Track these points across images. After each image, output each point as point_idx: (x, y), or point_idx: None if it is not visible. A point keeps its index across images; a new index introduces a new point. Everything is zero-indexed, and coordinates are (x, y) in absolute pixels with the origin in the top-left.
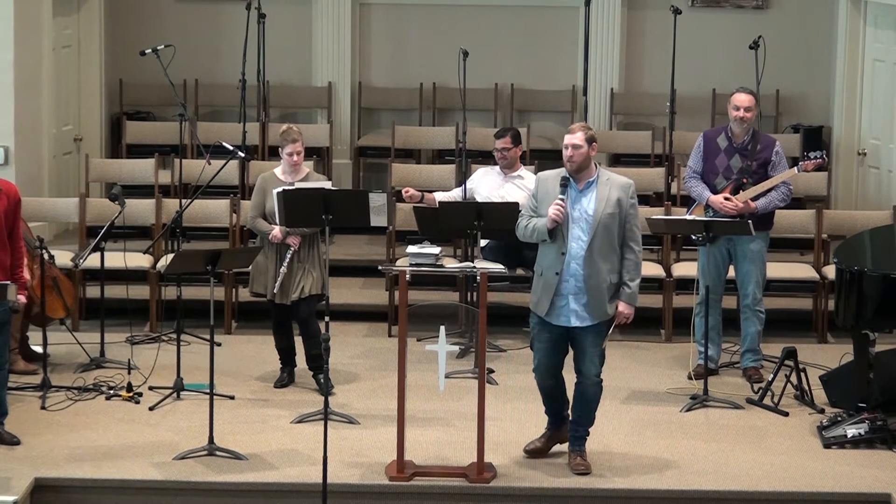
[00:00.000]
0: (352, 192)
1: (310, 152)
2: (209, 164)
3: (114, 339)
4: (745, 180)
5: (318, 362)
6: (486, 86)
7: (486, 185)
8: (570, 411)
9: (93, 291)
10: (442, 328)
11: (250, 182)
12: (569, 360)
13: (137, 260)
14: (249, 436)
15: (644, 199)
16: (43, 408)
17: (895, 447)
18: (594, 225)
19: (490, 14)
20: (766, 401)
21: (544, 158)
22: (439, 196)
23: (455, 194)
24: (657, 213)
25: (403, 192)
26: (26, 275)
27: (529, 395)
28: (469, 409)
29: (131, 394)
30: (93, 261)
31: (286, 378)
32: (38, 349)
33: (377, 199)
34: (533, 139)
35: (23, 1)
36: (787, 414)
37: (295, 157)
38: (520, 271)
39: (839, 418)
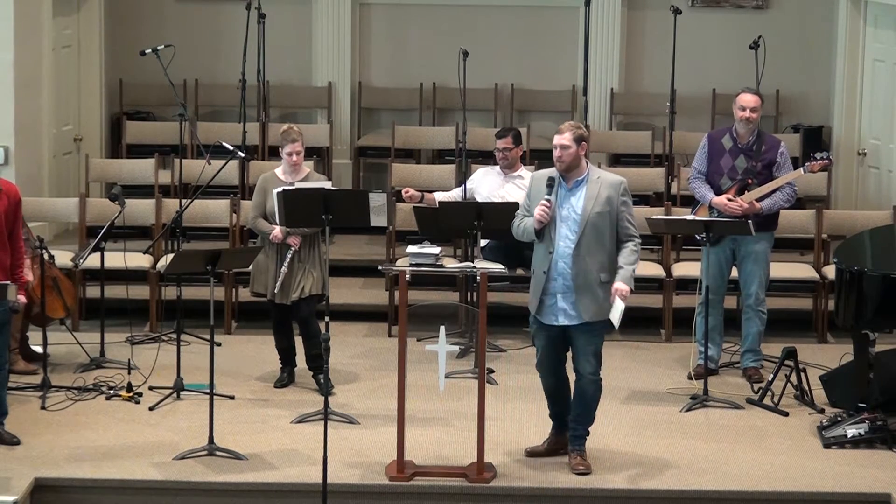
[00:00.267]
0: (352, 192)
1: (310, 152)
2: (209, 164)
3: (114, 339)
4: (749, 181)
5: (318, 362)
6: (486, 86)
7: (487, 185)
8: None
9: (93, 291)
10: (442, 328)
11: (250, 182)
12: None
13: (137, 260)
14: (249, 436)
15: (644, 199)
16: (43, 408)
17: (895, 447)
18: (582, 224)
19: (490, 14)
20: (766, 401)
21: (544, 158)
22: (439, 196)
23: (455, 194)
24: (657, 213)
25: (403, 192)
26: (27, 275)
27: (529, 395)
28: (469, 409)
29: (131, 394)
30: (93, 261)
31: (286, 378)
32: (38, 349)
33: (377, 199)
34: (533, 139)
35: (23, 1)
36: (787, 414)
37: (294, 157)
38: (520, 271)
39: (839, 418)
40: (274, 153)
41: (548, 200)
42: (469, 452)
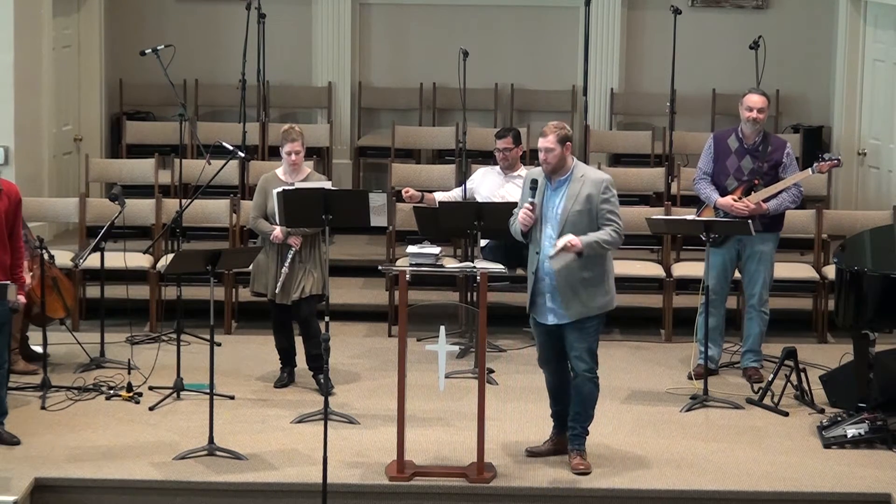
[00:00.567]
0: (352, 192)
1: (310, 152)
2: (209, 164)
3: (114, 339)
4: (756, 181)
5: (318, 362)
6: (486, 86)
7: (487, 185)
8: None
9: (93, 291)
10: (442, 328)
11: (250, 182)
12: None
13: (137, 260)
14: (249, 436)
15: (644, 199)
16: (43, 408)
17: (895, 447)
18: (561, 223)
19: (490, 14)
20: (766, 401)
21: None
22: (439, 196)
23: (455, 194)
24: (657, 213)
25: (403, 192)
26: (26, 276)
27: (529, 395)
28: (469, 409)
29: (131, 394)
30: (93, 261)
31: (286, 378)
32: (39, 349)
33: (377, 199)
34: (533, 139)
35: (23, 1)
36: (787, 414)
37: (293, 157)
38: (520, 271)
39: (839, 418)
40: (274, 153)
41: (531, 203)
42: (469, 452)
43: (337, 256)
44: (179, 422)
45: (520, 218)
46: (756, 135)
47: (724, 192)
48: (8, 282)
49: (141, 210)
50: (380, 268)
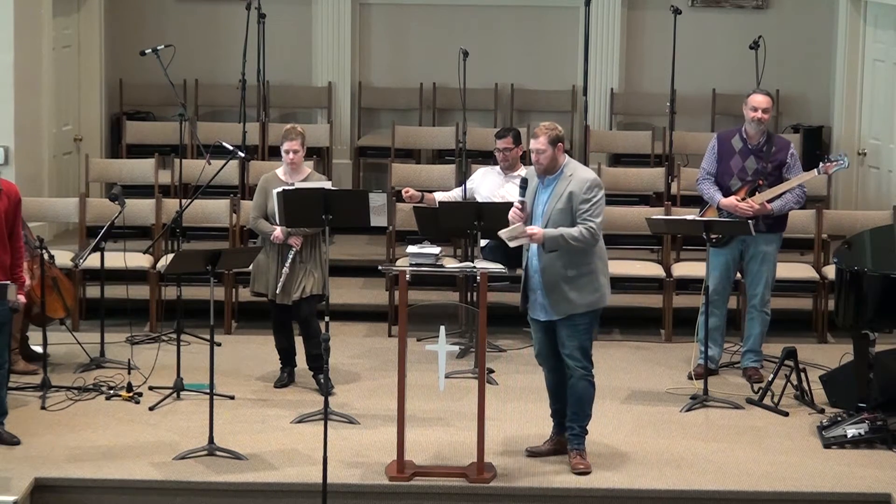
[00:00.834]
0: (352, 192)
1: (310, 152)
2: (209, 164)
3: (114, 339)
4: (760, 182)
5: (318, 362)
6: (486, 86)
7: (487, 185)
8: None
9: (93, 291)
10: (442, 328)
11: (250, 182)
12: None
13: (137, 260)
14: (249, 436)
15: (644, 199)
16: (43, 408)
17: (895, 447)
18: (543, 221)
19: (490, 14)
20: (766, 401)
21: None
22: (439, 196)
23: (455, 194)
24: (657, 213)
25: (403, 192)
26: (26, 276)
27: (529, 395)
28: (469, 409)
29: (131, 394)
30: (93, 261)
31: (286, 378)
32: (39, 349)
33: (377, 199)
34: None
35: (23, 1)
36: (787, 414)
37: (291, 156)
38: (519, 271)
39: (839, 418)
40: (274, 153)
41: (521, 202)
42: (469, 452)
43: (337, 256)
44: (179, 422)
45: (509, 216)
46: (760, 135)
47: (727, 193)
48: (8, 282)
49: (141, 210)
50: (380, 268)
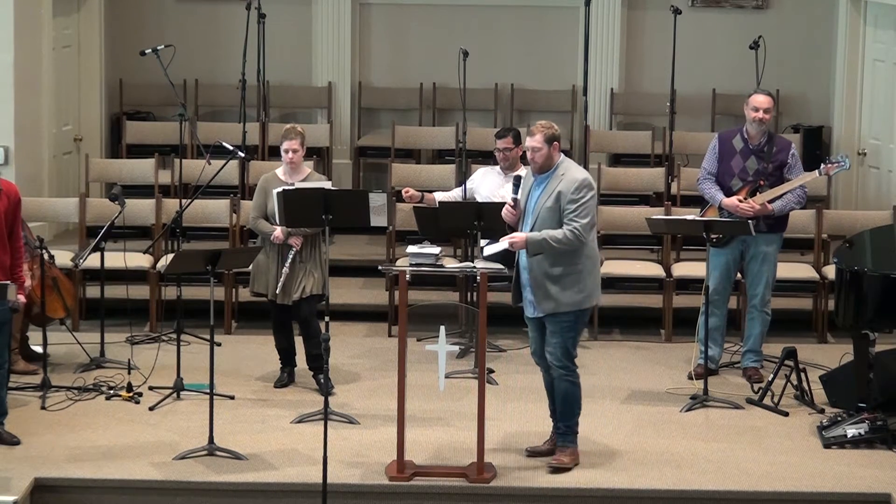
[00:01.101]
0: (352, 192)
1: (310, 152)
2: (209, 164)
3: (114, 339)
4: (761, 182)
5: (318, 362)
6: (486, 86)
7: (487, 185)
8: None
9: (93, 291)
10: (442, 328)
11: (250, 182)
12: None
13: (137, 260)
14: (249, 436)
15: (644, 199)
16: (43, 408)
17: (895, 447)
18: (532, 218)
19: (490, 14)
20: (766, 401)
21: None
22: (439, 196)
23: (455, 194)
24: (657, 213)
25: (403, 192)
26: (26, 276)
27: (529, 395)
28: (469, 409)
29: (131, 394)
30: (93, 261)
31: (286, 378)
32: (39, 349)
33: (377, 199)
34: None
35: (23, 1)
36: (787, 414)
37: (291, 155)
38: None
39: (839, 418)
40: (274, 153)
41: (513, 200)
42: (469, 452)
43: (337, 256)
44: (179, 422)
45: (502, 214)
46: (761, 135)
47: (728, 193)
48: (8, 282)
49: (141, 210)
50: (380, 268)
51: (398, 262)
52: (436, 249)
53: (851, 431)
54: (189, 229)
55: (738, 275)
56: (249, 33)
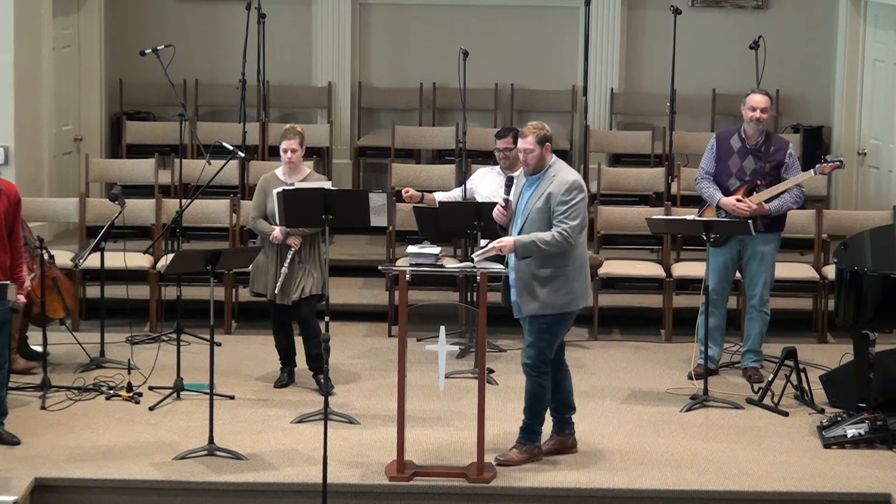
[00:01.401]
0: (352, 192)
1: (310, 152)
2: (209, 164)
3: (114, 339)
4: (758, 182)
5: (318, 362)
6: (486, 86)
7: (487, 185)
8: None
9: (93, 291)
10: (442, 328)
11: (250, 182)
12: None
13: (137, 260)
14: (249, 436)
15: (644, 199)
16: (43, 408)
17: (895, 447)
18: (522, 219)
19: (490, 14)
20: (766, 401)
21: None
22: (439, 196)
23: (455, 194)
24: (657, 213)
25: (403, 192)
26: (26, 276)
27: None
28: (469, 409)
29: (131, 394)
30: (93, 261)
31: (286, 378)
32: (38, 349)
33: (377, 199)
34: None
35: (23, 1)
36: (787, 414)
37: (289, 155)
38: None
39: (839, 418)
40: (274, 153)
41: (505, 200)
42: (469, 452)
43: (337, 256)
44: (179, 422)
45: (493, 214)
46: (759, 135)
47: (726, 193)
48: (8, 282)
49: (141, 210)
50: (380, 268)
51: (398, 262)
52: (436, 249)
53: (851, 431)
54: (189, 229)
55: (739, 275)
56: (249, 33)
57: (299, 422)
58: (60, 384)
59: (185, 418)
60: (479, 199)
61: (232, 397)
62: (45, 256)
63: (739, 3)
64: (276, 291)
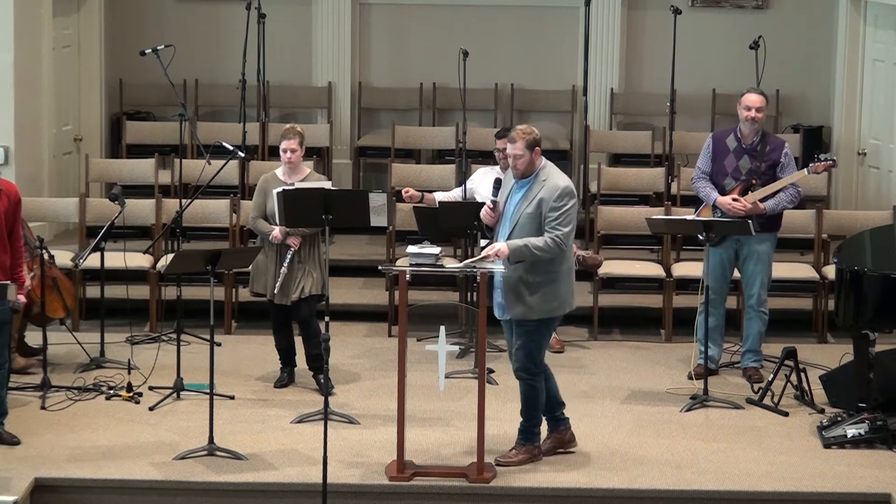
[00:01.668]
0: (352, 192)
1: (310, 152)
2: (209, 164)
3: (114, 339)
4: (753, 181)
5: (318, 362)
6: (486, 86)
7: (487, 185)
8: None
9: (93, 291)
10: (442, 328)
11: (250, 182)
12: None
13: (137, 260)
14: (249, 436)
15: (644, 199)
16: (43, 408)
17: (895, 447)
18: (511, 223)
19: (490, 14)
20: (766, 401)
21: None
22: (439, 196)
23: (455, 194)
24: (657, 213)
25: (403, 192)
26: (26, 276)
27: None
28: (469, 409)
29: (131, 394)
30: (93, 261)
31: (286, 378)
32: (36, 347)
33: (377, 199)
34: None
35: (23, 1)
36: (787, 414)
37: (289, 155)
38: None
39: (839, 418)
40: (274, 153)
41: (492, 202)
42: (469, 452)
43: (337, 256)
44: (179, 422)
45: (481, 215)
46: (754, 134)
47: (722, 192)
48: (8, 282)
49: (141, 210)
50: (380, 268)
51: (398, 262)
52: (436, 249)
53: (851, 431)
54: (189, 229)
55: (738, 274)
56: (249, 33)
57: (299, 422)
58: (60, 384)
59: (185, 418)
60: (479, 199)
61: (232, 397)
62: (45, 256)
63: (739, 3)
64: (275, 291)
